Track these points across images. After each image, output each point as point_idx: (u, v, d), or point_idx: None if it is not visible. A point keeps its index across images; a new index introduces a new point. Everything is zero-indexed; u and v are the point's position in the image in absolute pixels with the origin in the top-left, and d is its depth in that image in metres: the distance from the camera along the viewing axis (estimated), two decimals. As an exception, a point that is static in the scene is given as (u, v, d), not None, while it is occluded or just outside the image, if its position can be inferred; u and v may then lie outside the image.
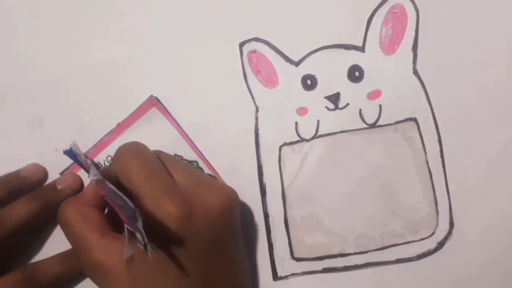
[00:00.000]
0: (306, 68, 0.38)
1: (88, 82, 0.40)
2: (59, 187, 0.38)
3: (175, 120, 0.39)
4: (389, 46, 0.38)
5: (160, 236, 0.32)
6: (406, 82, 0.38)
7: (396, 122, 0.38)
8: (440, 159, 0.38)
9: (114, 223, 0.35)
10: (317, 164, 0.38)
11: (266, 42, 0.39)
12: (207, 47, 0.39)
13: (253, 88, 0.39)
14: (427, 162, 0.38)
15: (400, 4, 0.38)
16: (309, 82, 0.38)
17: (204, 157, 0.39)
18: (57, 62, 0.40)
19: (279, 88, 0.39)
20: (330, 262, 0.38)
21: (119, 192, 0.30)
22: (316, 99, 0.38)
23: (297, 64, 0.39)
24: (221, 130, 0.39)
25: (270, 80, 0.39)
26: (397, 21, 0.38)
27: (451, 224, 0.38)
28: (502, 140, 0.38)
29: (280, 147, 0.39)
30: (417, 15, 0.38)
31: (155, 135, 0.39)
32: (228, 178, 0.39)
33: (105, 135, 0.39)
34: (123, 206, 0.30)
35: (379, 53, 0.38)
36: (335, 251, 0.38)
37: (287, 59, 0.39)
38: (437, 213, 0.38)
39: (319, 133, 0.38)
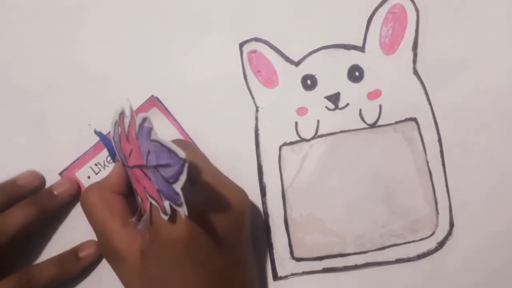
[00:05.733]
0: (306, 68, 0.38)
1: (88, 82, 0.40)
2: (55, 193, 0.38)
3: (175, 120, 0.39)
4: (389, 46, 0.38)
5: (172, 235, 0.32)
6: (406, 82, 0.38)
7: (396, 122, 0.38)
8: (440, 159, 0.38)
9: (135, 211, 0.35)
10: (317, 164, 0.38)
11: (266, 42, 0.39)
12: (207, 47, 0.39)
13: (253, 88, 0.39)
14: (427, 162, 0.38)
15: (400, 4, 0.38)
16: (309, 82, 0.38)
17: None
18: (57, 62, 0.40)
19: (279, 88, 0.39)
20: (330, 262, 0.38)
21: (166, 142, 0.27)
22: (316, 99, 0.38)
23: (297, 64, 0.39)
24: (221, 130, 0.39)
25: (270, 80, 0.39)
26: (397, 21, 0.38)
27: (451, 224, 0.38)
28: (502, 140, 0.38)
29: (280, 147, 0.39)
30: (417, 15, 0.38)
31: (155, 135, 0.39)
32: (228, 178, 0.39)
33: (105, 135, 0.39)
34: (166, 165, 0.27)
35: (379, 53, 0.38)
36: (335, 251, 0.38)
37: (287, 59, 0.39)
38: (437, 213, 0.38)
39: (319, 133, 0.38)
